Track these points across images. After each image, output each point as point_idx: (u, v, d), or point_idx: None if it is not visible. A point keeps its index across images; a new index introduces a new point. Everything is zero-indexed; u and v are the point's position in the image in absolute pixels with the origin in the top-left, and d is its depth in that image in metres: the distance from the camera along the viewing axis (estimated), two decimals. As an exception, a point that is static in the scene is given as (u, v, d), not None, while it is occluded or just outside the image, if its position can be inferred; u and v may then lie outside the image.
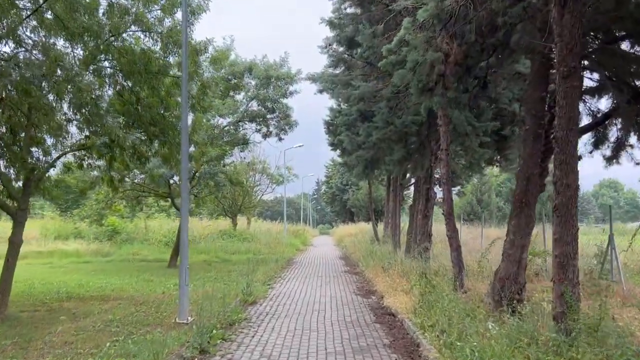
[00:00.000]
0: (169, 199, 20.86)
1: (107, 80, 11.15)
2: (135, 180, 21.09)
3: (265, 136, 21.30)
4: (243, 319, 9.68)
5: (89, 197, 22.14)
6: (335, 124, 26.04)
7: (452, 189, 26.46)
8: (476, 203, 53.29)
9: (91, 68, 11.11)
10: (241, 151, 22.95)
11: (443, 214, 12.83)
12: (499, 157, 19.50)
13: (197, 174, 19.01)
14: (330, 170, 69.94)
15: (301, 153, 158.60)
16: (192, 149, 19.54)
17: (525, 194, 9.52)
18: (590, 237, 25.69)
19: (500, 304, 9.24)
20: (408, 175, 28.24)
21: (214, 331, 8.07)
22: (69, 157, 12.38)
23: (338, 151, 27.22)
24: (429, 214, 17.28)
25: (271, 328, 9.09)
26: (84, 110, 9.19)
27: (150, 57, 11.11)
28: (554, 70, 9.93)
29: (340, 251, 32.47)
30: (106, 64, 11.56)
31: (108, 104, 11.89)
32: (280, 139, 20.92)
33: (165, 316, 9.52)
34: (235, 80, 20.82)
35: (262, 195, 38.40)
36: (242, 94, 21.14)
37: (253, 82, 20.39)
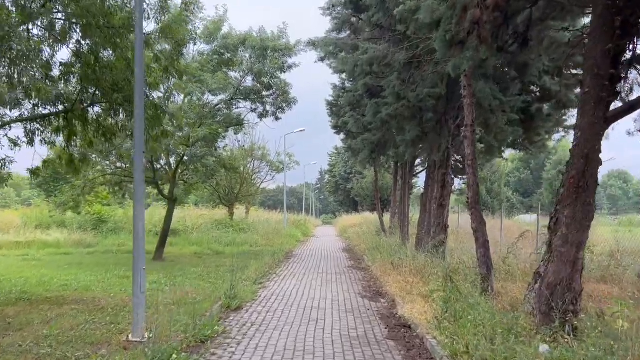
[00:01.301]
0: (155, 186, 18.78)
1: (56, 34, 9.02)
2: (118, 164, 19.02)
3: (261, 116, 19.16)
4: (220, 333, 7.61)
5: (69, 182, 20.08)
6: (339, 105, 23.90)
7: (462, 177, 24.15)
8: (486, 193, 51.08)
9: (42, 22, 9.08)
10: (235, 133, 20.82)
11: (467, 201, 10.72)
12: (522, 139, 17.35)
13: (184, 157, 16.87)
14: (333, 158, 67.81)
15: (304, 141, 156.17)
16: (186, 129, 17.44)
17: (584, 175, 7.38)
18: (609, 229, 23.77)
19: (550, 317, 7.15)
20: (418, 160, 26.10)
21: (174, 355, 6.01)
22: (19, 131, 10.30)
23: (342, 135, 25.14)
24: (445, 203, 15.17)
25: (254, 347, 7.02)
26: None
27: (111, 5, 9.00)
28: (620, 19, 7.84)
29: (343, 243, 30.42)
30: (60, 16, 9.48)
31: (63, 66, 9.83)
32: (277, 119, 18.74)
33: (119, 329, 7.46)
34: (229, 55, 18.65)
35: (262, 183, 36.33)
36: (237, 69, 18.97)
37: (247, 55, 18.19)
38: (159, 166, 18.33)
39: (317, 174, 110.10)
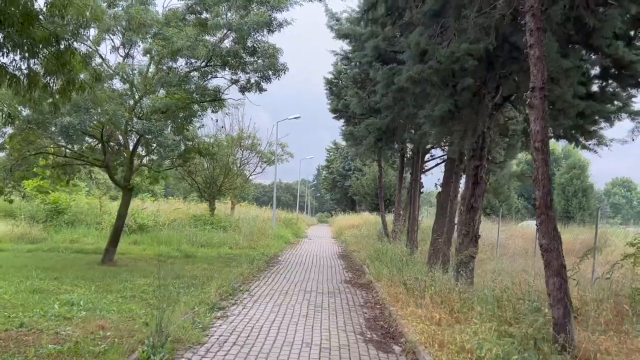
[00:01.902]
0: (106, 170, 15.00)
1: None
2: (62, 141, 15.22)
3: (244, 89, 15.34)
4: None
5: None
6: (340, 84, 20.17)
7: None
8: (492, 196, 47.32)
9: None
10: (213, 111, 16.99)
11: (535, 204, 6.99)
12: (572, 126, 13.60)
13: (136, 132, 13.03)
14: (331, 153, 64.04)
15: (300, 135, 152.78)
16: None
17: None
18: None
19: None
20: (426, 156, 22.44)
21: None
22: None
23: (342, 121, 21.39)
24: (477, 205, 11.41)
25: None
26: None
27: None
28: None
29: (339, 247, 26.64)
30: None
31: None
32: (260, 90, 14.90)
33: None
34: (207, 15, 14.82)
35: (251, 175, 32.42)
36: (215, 31, 15.09)
37: (226, 6, 14.22)
38: (111, 144, 14.51)
39: (314, 170, 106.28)
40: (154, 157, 14.92)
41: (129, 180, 15.07)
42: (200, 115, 16.91)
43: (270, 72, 14.14)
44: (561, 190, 49.16)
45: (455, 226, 13.77)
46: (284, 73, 14.32)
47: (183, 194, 31.94)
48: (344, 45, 16.80)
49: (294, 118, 31.45)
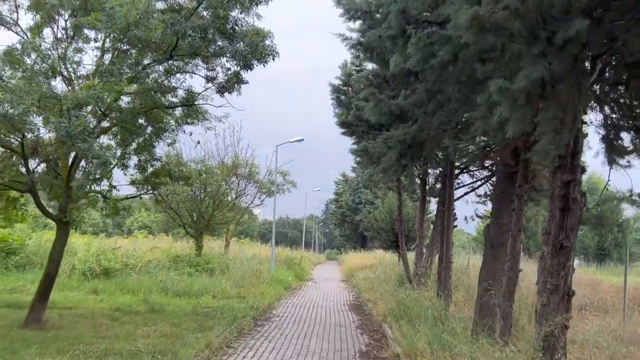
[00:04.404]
0: (34, 197, 10.99)
1: None
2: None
3: (223, 89, 11.45)
4: None
5: None
6: (349, 93, 16.32)
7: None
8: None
9: None
10: (188, 123, 13.03)
11: None
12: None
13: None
14: (340, 186, 59.92)
15: (309, 171, 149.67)
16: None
17: None
18: None
19: None
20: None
21: None
22: None
23: (353, 138, 17.41)
24: (570, 244, 7.25)
25: None
26: None
27: None
28: None
29: (350, 293, 22.20)
30: None
31: None
32: (240, 83, 10.90)
33: None
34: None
35: (248, 207, 28.35)
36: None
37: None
38: (34, 163, 10.54)
39: (322, 206, 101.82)
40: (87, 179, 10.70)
41: (64, 210, 11.05)
42: (173, 130, 13.06)
43: (252, 58, 10.20)
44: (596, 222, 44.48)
45: (522, 274, 9.58)
46: (273, 59, 10.39)
47: (164, 229, 27.80)
48: (353, 36, 12.91)
49: (297, 141, 27.55)
